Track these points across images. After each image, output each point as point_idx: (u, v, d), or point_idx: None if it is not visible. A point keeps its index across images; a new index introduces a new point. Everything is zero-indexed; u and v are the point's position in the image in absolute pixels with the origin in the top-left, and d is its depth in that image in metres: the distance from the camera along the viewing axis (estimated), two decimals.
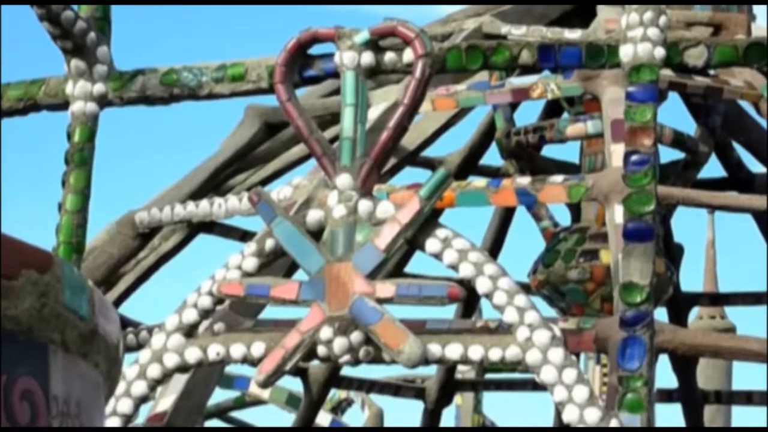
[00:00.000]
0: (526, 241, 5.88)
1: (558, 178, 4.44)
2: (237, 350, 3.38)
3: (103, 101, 3.84)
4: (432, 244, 3.31)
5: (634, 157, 3.51)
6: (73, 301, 1.01)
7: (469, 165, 5.71)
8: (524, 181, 4.35)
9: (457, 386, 6.61)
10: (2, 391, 0.94)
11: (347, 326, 3.20)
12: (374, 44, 3.46)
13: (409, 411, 6.98)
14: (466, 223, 5.63)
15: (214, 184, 4.89)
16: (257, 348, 3.33)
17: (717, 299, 7.53)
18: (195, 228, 4.75)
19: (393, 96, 4.01)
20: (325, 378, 6.02)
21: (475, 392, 7.07)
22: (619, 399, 3.28)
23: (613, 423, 3.24)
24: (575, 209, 5.31)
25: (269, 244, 3.35)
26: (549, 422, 6.08)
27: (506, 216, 5.91)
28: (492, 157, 5.71)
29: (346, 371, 5.94)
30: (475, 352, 3.27)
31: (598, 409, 3.19)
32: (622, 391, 3.30)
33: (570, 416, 3.21)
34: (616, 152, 3.99)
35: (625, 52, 3.51)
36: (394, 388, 6.59)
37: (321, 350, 3.30)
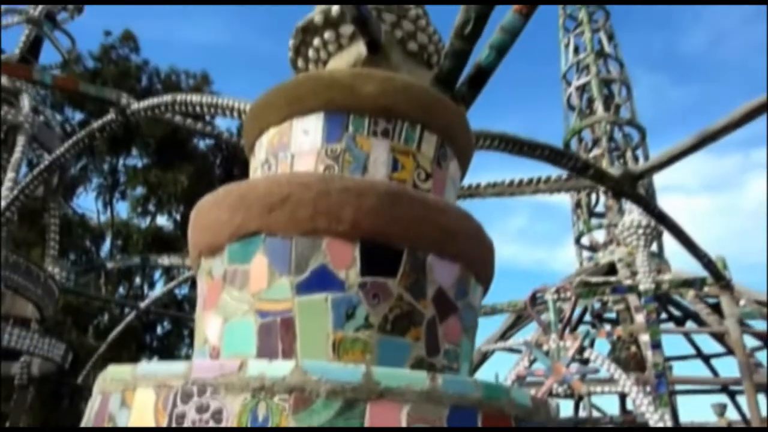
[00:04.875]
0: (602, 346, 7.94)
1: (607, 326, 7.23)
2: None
3: None
4: (593, 358, 5.44)
5: (649, 320, 5.28)
6: None
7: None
8: (608, 328, 7.15)
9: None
10: None
11: (562, 382, 4.98)
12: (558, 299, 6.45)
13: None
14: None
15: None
16: (530, 392, 5.54)
17: None
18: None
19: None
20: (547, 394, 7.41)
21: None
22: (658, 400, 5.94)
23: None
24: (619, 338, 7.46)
25: (531, 357, 5.23)
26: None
27: (592, 341, 8.19)
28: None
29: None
30: (602, 390, 6.37)
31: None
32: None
33: (636, 402, 5.36)
34: (638, 318, 6.07)
35: (641, 287, 5.56)
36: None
37: (553, 392, 5.17)
